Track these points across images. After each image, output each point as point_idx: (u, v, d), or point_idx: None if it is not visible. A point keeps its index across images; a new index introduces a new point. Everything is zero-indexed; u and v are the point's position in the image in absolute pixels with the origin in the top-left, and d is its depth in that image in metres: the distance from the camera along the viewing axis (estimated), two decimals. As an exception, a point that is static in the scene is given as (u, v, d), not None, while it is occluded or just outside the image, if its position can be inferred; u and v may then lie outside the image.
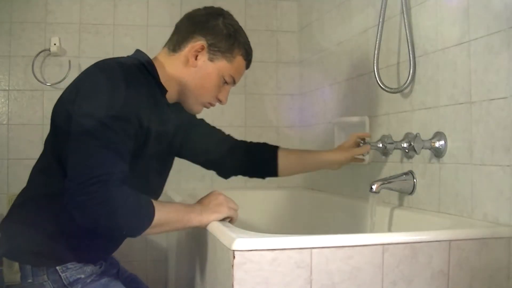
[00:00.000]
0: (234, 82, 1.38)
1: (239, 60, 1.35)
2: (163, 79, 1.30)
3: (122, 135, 1.11)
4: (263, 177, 1.66)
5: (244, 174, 1.65)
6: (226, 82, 1.36)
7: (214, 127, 1.62)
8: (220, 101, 1.39)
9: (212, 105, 1.39)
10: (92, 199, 1.02)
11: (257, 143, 1.65)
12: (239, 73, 1.38)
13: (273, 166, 1.59)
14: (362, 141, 1.63)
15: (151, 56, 1.34)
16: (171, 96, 1.34)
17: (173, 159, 1.45)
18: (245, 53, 1.36)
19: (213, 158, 1.59)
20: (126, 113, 1.12)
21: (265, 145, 1.64)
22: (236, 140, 1.63)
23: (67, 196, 1.05)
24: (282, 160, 1.59)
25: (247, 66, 1.41)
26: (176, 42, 1.34)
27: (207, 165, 1.63)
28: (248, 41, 1.39)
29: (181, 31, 1.34)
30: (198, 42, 1.31)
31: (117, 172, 1.07)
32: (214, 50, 1.31)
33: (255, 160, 1.60)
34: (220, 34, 1.31)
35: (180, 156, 1.56)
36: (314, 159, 1.65)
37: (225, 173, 1.63)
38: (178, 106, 1.39)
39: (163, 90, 1.31)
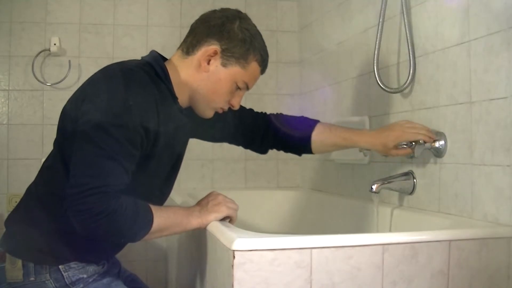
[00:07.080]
0: (247, 88, 1.34)
1: (254, 66, 1.31)
2: (175, 83, 1.27)
3: (126, 144, 1.10)
4: (298, 154, 1.63)
5: (279, 149, 1.62)
6: (239, 88, 1.32)
7: (245, 108, 1.59)
8: (232, 106, 1.35)
9: (224, 110, 1.36)
10: (90, 210, 1.03)
11: (294, 119, 1.61)
12: (253, 79, 1.34)
13: (307, 146, 1.56)
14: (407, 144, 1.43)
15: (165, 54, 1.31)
16: (183, 101, 1.31)
17: (181, 162, 1.41)
18: (260, 59, 1.32)
19: (251, 137, 1.57)
20: (131, 122, 1.11)
21: (301, 123, 1.59)
22: (272, 116, 1.60)
23: (67, 202, 1.05)
24: (316, 141, 1.55)
25: (262, 72, 1.36)
26: (190, 44, 1.29)
27: (244, 144, 1.62)
28: (265, 47, 1.34)
29: (195, 34, 1.29)
30: (212, 47, 1.26)
31: (118, 183, 1.07)
32: (228, 55, 1.27)
33: (289, 139, 1.57)
34: (235, 39, 1.27)
35: (218, 141, 1.62)
36: (349, 143, 1.54)
37: (262, 150, 1.61)
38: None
39: (174, 97, 1.27)
